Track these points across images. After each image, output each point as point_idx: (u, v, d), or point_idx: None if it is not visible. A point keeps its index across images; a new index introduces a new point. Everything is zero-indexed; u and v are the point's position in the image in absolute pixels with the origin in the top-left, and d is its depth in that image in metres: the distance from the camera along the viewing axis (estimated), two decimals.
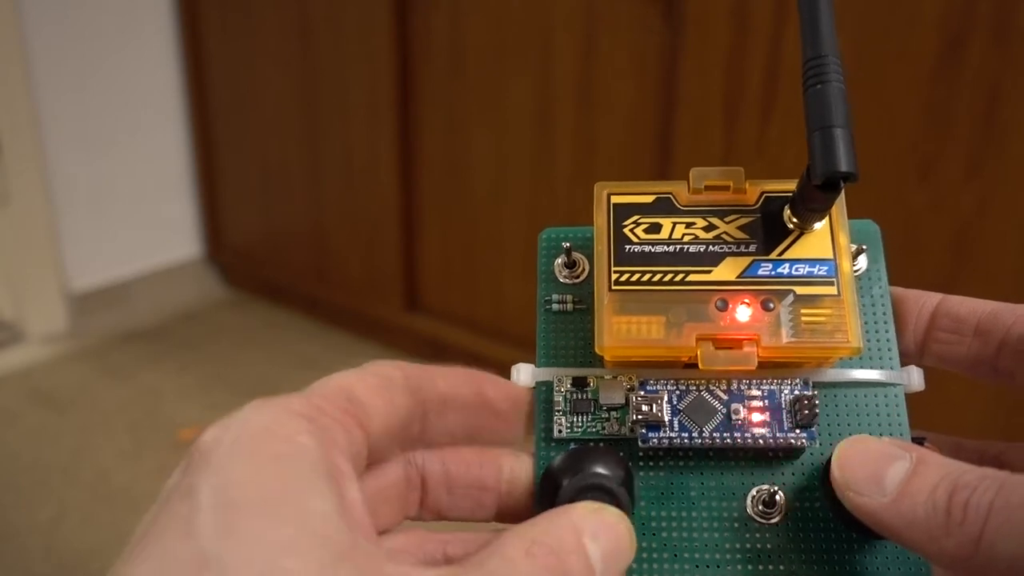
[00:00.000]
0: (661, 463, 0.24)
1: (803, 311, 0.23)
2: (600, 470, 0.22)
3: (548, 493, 0.22)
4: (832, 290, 0.24)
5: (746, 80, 1.04)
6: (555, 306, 0.26)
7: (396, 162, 1.43)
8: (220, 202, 1.79)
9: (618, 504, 0.21)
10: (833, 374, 0.25)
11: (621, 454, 0.24)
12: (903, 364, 0.25)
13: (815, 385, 0.24)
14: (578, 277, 0.27)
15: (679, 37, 1.08)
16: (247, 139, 1.69)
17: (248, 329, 1.69)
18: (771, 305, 0.24)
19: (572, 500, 0.21)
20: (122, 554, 0.17)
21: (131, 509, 1.14)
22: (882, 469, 0.20)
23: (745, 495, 0.24)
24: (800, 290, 0.24)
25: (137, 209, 1.72)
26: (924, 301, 0.26)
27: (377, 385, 0.22)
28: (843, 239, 0.24)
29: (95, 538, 1.08)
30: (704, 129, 1.09)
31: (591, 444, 0.24)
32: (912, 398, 0.25)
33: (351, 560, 0.17)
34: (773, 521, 0.23)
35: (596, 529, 0.20)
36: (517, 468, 0.24)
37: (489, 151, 1.33)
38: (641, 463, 0.24)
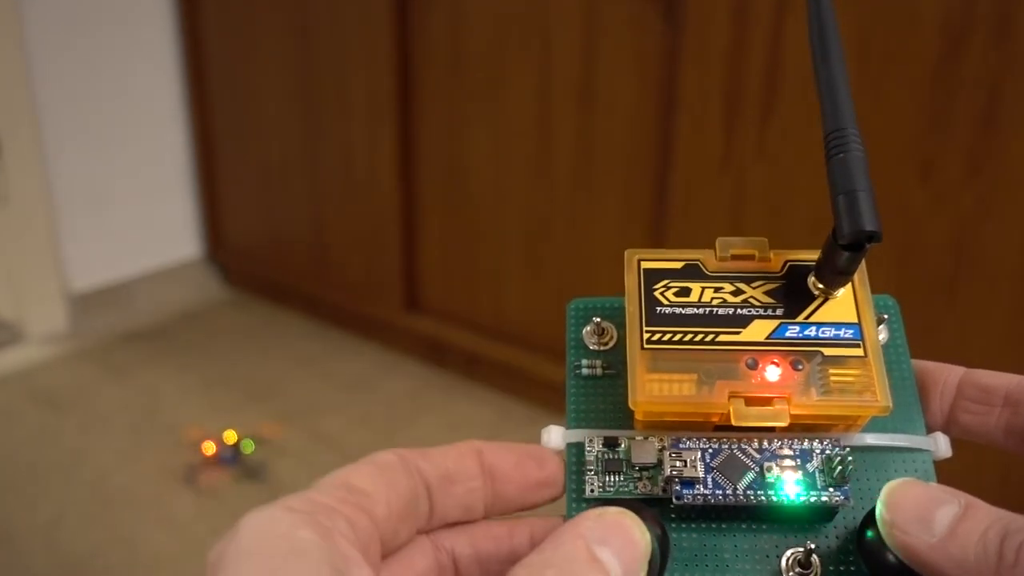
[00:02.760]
0: (694, 524, 0.24)
1: (832, 371, 0.24)
2: None
3: None
4: (859, 351, 0.24)
5: (746, 80, 1.04)
6: (585, 370, 0.27)
7: (396, 162, 1.43)
8: (220, 202, 1.79)
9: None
10: (860, 439, 0.25)
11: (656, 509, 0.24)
12: (929, 434, 0.26)
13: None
14: (606, 344, 0.27)
15: (679, 37, 1.08)
16: (247, 139, 1.69)
17: (248, 329, 1.69)
18: (800, 365, 0.24)
19: None
20: None
21: (131, 509, 1.14)
22: (931, 511, 0.20)
23: (779, 557, 0.23)
24: (828, 351, 0.24)
25: (137, 209, 1.72)
26: (948, 373, 0.26)
27: (373, 471, 0.22)
28: (866, 304, 0.25)
29: (95, 538, 1.08)
30: (704, 129, 1.09)
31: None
32: (939, 469, 0.25)
33: None
34: None
35: (602, 534, 0.20)
36: (548, 529, 0.24)
37: (489, 151, 1.33)
38: (673, 524, 0.24)
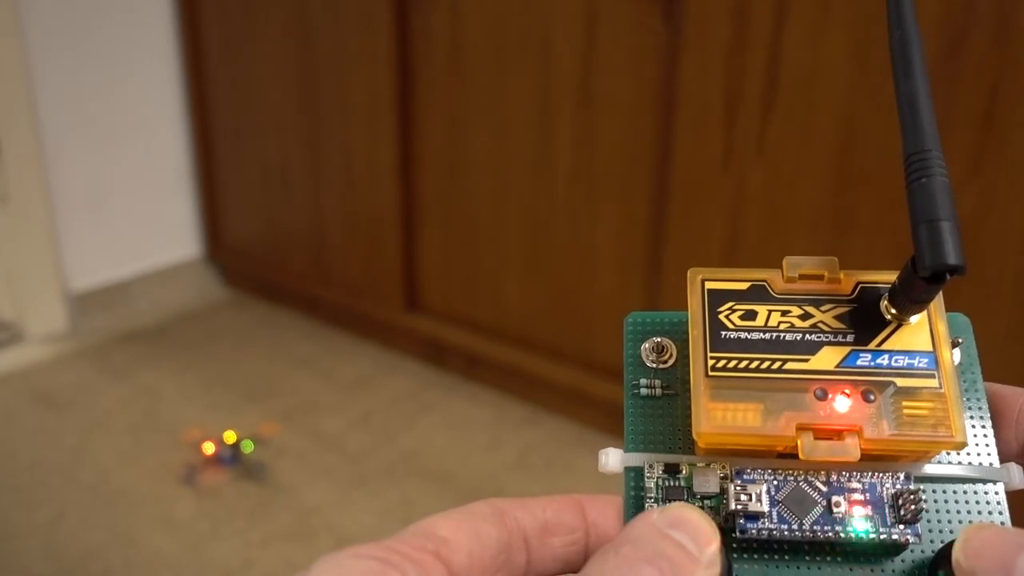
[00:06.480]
0: (755, 555, 0.24)
1: (905, 403, 0.23)
2: None
3: None
4: (933, 383, 0.23)
5: (746, 80, 1.04)
6: (643, 391, 0.26)
7: (396, 162, 1.43)
8: (220, 202, 1.79)
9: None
10: (931, 468, 0.24)
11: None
12: (1002, 463, 0.25)
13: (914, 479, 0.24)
14: (666, 362, 0.26)
15: (679, 37, 1.08)
16: (247, 139, 1.69)
17: (248, 329, 1.69)
18: (872, 396, 0.23)
19: None
20: None
21: (131, 509, 1.14)
22: (1012, 558, 0.20)
23: None
24: (901, 382, 0.23)
25: (137, 209, 1.72)
26: None
27: (460, 520, 0.22)
28: (943, 332, 0.24)
29: (95, 538, 1.08)
30: (704, 129, 1.09)
31: None
32: (1012, 498, 0.25)
33: None
34: None
35: (671, 521, 0.20)
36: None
37: (489, 151, 1.33)
38: (734, 554, 0.24)
